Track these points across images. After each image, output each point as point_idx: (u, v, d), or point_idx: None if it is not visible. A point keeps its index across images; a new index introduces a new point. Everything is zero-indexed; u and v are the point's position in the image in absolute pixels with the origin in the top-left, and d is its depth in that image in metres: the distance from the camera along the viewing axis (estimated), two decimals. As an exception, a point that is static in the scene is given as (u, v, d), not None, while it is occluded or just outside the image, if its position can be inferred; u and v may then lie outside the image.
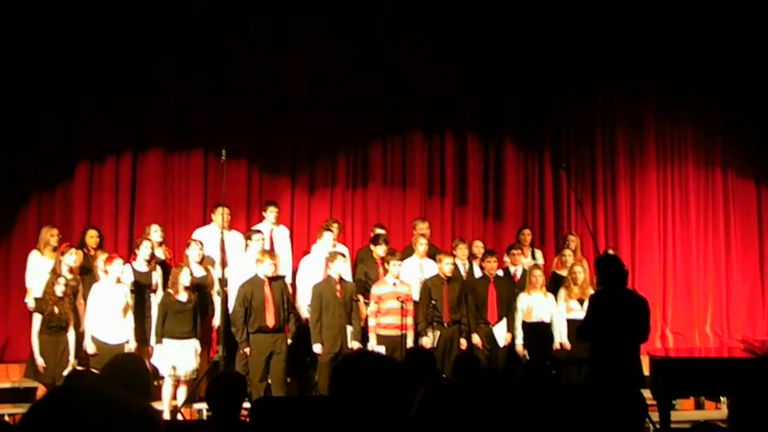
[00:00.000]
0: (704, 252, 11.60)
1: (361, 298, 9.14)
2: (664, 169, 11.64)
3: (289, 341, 8.70)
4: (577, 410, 4.81)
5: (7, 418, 8.16)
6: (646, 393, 7.63)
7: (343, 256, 8.94)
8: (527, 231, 10.40)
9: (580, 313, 8.86)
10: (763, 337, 10.57)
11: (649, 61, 11.41)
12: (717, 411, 9.33)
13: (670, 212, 11.60)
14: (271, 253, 8.82)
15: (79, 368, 7.73)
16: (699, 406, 9.50)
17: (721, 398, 9.17)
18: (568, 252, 9.95)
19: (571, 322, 8.99)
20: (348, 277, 9.16)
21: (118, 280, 8.36)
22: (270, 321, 8.54)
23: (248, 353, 8.53)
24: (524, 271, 9.72)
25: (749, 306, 11.59)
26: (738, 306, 11.56)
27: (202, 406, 8.46)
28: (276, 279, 8.72)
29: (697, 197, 11.66)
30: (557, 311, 9.16)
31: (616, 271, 7.16)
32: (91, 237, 9.11)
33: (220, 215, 9.24)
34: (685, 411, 8.99)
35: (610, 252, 10.04)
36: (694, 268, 11.53)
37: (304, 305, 9.09)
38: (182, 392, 8.33)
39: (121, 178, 10.16)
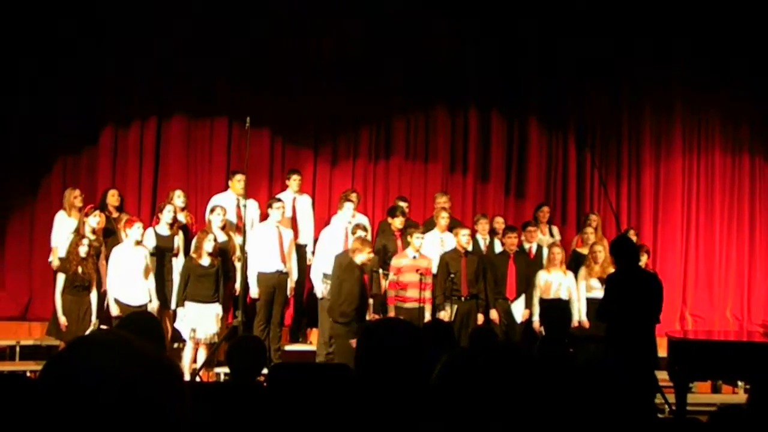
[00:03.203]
0: (727, 236, 11.52)
1: (380, 269, 9.17)
2: (690, 153, 11.55)
3: None
4: (589, 387, 4.83)
5: (29, 374, 8.27)
6: (663, 374, 7.66)
7: (365, 229, 8.95)
8: (545, 208, 10.38)
9: (599, 292, 8.85)
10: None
11: (676, 46, 11.27)
12: (734, 395, 9.32)
13: (695, 196, 11.53)
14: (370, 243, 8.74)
15: (102, 327, 7.83)
16: (716, 389, 9.48)
17: (739, 382, 9.15)
18: (589, 230, 9.92)
19: (590, 301, 9.00)
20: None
21: (138, 243, 8.43)
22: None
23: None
24: (539, 247, 9.71)
25: (770, 292, 11.52)
26: (759, 291, 11.48)
27: (221, 369, 8.56)
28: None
29: (722, 182, 11.58)
30: (576, 289, 9.14)
31: (631, 252, 7.24)
32: (112, 196, 9.21)
33: (237, 182, 9.29)
34: (701, 394, 8.96)
35: (632, 232, 10.04)
36: (716, 252, 11.48)
37: (320, 276, 9.12)
38: (202, 355, 8.42)
39: (146, 144, 10.25)
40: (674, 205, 11.46)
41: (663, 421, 4.99)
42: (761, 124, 11.60)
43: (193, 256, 8.53)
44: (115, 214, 9.08)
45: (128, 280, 8.33)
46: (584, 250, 9.60)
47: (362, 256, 8.33)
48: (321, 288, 9.10)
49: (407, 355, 2.64)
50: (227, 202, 9.26)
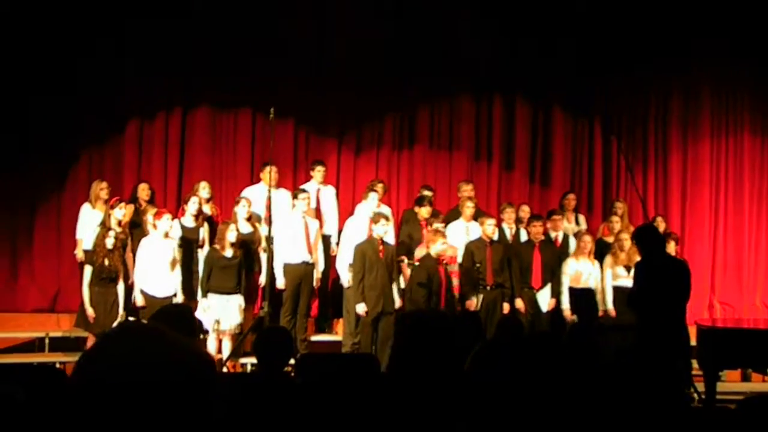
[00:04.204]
0: (757, 223, 11.38)
1: (405, 259, 9.16)
2: (719, 138, 11.41)
3: None
4: (619, 377, 4.80)
5: (58, 366, 8.35)
6: (692, 363, 7.60)
7: (386, 218, 8.93)
8: (571, 196, 10.32)
9: (626, 280, 8.82)
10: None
11: (703, 28, 11.09)
12: (764, 383, 9.24)
13: (723, 182, 11.39)
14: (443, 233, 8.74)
15: (130, 318, 7.88)
16: (746, 378, 9.39)
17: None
18: (615, 218, 9.85)
19: (617, 289, 8.96)
20: (390, 238, 9.17)
21: (166, 235, 8.47)
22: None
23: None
24: (565, 236, 9.66)
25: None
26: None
27: (247, 360, 8.59)
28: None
29: (752, 167, 11.42)
30: (603, 278, 9.09)
31: (655, 240, 7.20)
32: (143, 190, 9.27)
33: (268, 173, 9.28)
34: (731, 383, 8.87)
35: (659, 219, 9.96)
36: (745, 239, 11.34)
37: (345, 266, 9.12)
38: (227, 346, 8.45)
39: (171, 135, 10.29)
40: (702, 191, 11.33)
41: (693, 410, 4.94)
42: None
43: (216, 247, 8.55)
44: (143, 206, 9.12)
45: (155, 272, 8.37)
46: (610, 239, 9.54)
47: (437, 247, 8.33)
48: (346, 278, 9.10)
49: (442, 347, 2.63)
50: (257, 193, 9.27)
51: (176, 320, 3.87)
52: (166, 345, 1.55)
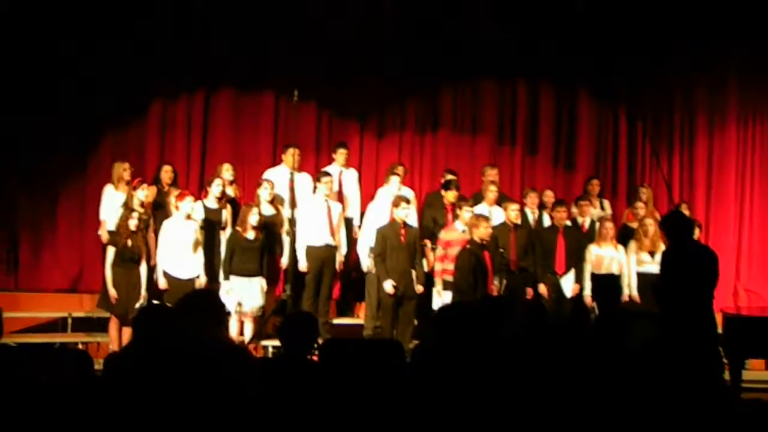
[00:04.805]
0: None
1: (428, 242, 9.13)
2: (746, 123, 11.26)
3: None
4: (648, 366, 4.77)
5: (80, 346, 8.40)
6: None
7: (407, 201, 8.89)
8: (596, 181, 10.24)
9: (650, 266, 8.76)
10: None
11: (730, 14, 10.91)
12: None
13: (750, 168, 11.25)
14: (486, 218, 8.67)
15: (154, 302, 7.88)
16: (770, 366, 9.33)
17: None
18: (639, 204, 9.77)
19: (641, 275, 8.89)
20: (413, 221, 9.13)
21: (189, 217, 8.47)
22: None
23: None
24: (592, 222, 9.60)
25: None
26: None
27: (269, 343, 8.59)
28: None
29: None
30: (627, 263, 9.02)
31: (683, 227, 7.07)
32: (166, 172, 9.25)
33: (290, 156, 9.27)
34: (755, 371, 8.79)
35: (684, 206, 9.87)
36: (772, 225, 11.22)
37: (366, 250, 9.10)
38: (248, 329, 8.46)
39: (194, 117, 10.30)
40: (728, 177, 11.20)
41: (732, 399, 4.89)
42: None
43: (238, 229, 8.55)
44: (166, 188, 9.12)
45: (178, 254, 8.38)
46: (635, 224, 9.47)
47: (480, 232, 8.31)
48: (367, 262, 9.08)
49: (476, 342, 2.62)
50: (279, 175, 9.25)
51: (204, 307, 3.87)
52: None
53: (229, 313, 8.40)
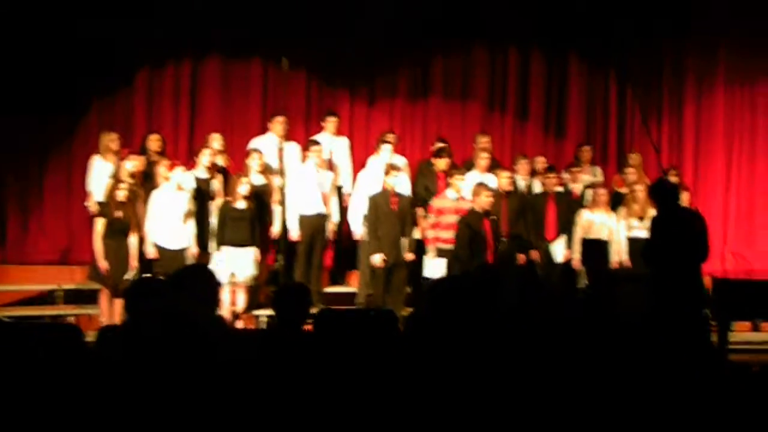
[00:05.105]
0: (770, 174, 11.29)
1: (420, 211, 9.13)
2: (733, 90, 11.27)
3: None
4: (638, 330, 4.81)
5: (71, 320, 8.38)
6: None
7: (399, 169, 8.88)
8: (586, 147, 10.24)
9: (639, 231, 8.82)
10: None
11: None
12: (773, 333, 9.29)
13: (737, 133, 11.28)
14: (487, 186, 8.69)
15: (146, 275, 7.86)
16: (755, 328, 9.42)
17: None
18: (629, 170, 9.79)
19: (631, 240, 8.96)
20: (405, 189, 9.13)
21: (179, 187, 8.44)
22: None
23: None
24: (584, 188, 9.62)
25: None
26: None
27: (262, 312, 8.62)
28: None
29: (765, 117, 11.30)
30: (616, 229, 9.07)
31: (670, 194, 7.21)
32: (154, 141, 9.18)
33: (278, 124, 9.23)
34: (740, 332, 8.88)
35: (672, 172, 9.90)
36: (758, 191, 11.26)
37: (358, 218, 9.10)
38: (241, 299, 8.47)
39: (181, 85, 10.21)
40: (716, 142, 11.23)
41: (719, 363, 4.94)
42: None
43: (228, 199, 8.53)
44: (154, 157, 9.05)
45: (168, 224, 8.36)
46: (624, 190, 9.52)
47: (481, 200, 8.34)
48: (359, 230, 9.10)
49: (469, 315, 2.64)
50: (267, 144, 9.21)
51: (196, 282, 3.86)
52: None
53: (221, 284, 8.42)
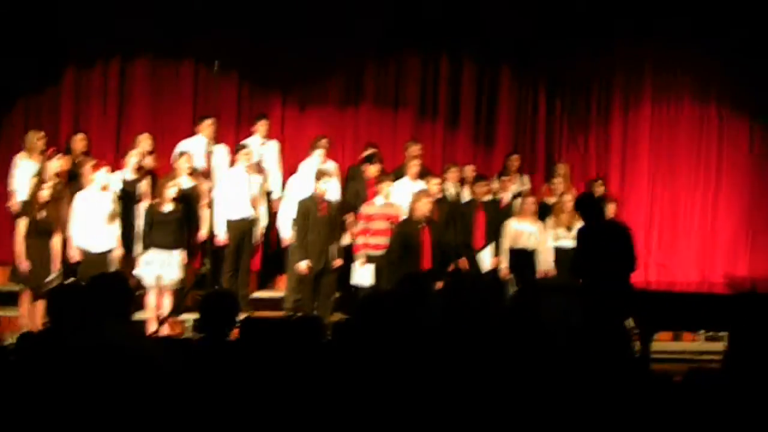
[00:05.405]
0: (693, 186, 11.59)
1: (350, 216, 9.13)
2: (659, 103, 11.53)
3: None
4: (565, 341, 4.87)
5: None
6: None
7: (329, 174, 8.87)
8: (515, 156, 10.34)
9: (566, 240, 8.96)
10: (744, 274, 10.71)
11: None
12: (694, 343, 9.51)
13: (662, 147, 11.54)
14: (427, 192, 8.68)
15: (66, 282, 7.67)
16: (676, 337, 9.65)
17: (700, 331, 9.33)
18: (557, 180, 9.94)
19: (558, 250, 9.07)
20: (335, 195, 9.13)
21: (105, 188, 8.29)
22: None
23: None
24: (513, 197, 9.72)
25: (732, 243, 11.64)
26: (722, 242, 11.61)
27: (188, 317, 8.50)
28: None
29: (689, 132, 11.59)
30: (543, 238, 9.18)
31: (596, 207, 7.45)
32: (79, 141, 8.99)
33: (207, 126, 9.14)
34: (662, 342, 9.08)
35: (598, 183, 10.09)
36: (681, 202, 11.56)
37: (287, 222, 9.06)
38: (167, 302, 8.35)
39: (110, 85, 10.04)
40: (641, 155, 11.48)
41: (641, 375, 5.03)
42: (730, 76, 11.55)
43: (156, 202, 8.40)
44: (80, 157, 8.86)
45: (93, 226, 8.20)
46: (552, 200, 9.65)
47: (420, 207, 8.34)
48: (288, 235, 9.06)
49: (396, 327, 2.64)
50: (196, 147, 9.11)
51: (110, 291, 3.78)
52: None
53: (147, 287, 8.30)
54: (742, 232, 11.64)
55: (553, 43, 11.01)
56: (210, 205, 8.62)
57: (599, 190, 9.91)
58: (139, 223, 8.49)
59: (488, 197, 9.52)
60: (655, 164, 11.53)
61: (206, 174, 8.82)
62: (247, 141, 9.41)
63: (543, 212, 9.47)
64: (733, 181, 11.66)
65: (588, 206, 7.43)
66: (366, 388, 3.80)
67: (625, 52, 11.41)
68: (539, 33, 10.94)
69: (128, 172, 8.67)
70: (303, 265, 8.64)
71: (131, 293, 4.10)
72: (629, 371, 4.56)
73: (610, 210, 9.39)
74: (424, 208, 8.38)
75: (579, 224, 8.85)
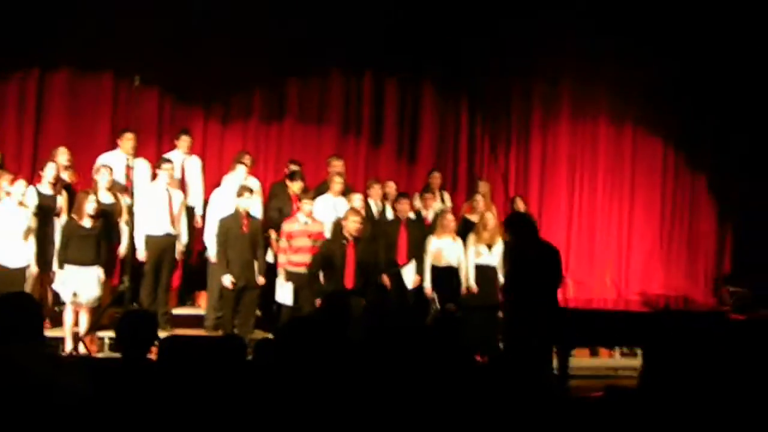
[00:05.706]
0: (609, 204, 11.89)
1: (273, 233, 9.08)
2: (576, 121, 11.81)
3: None
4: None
5: None
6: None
7: (251, 191, 8.81)
8: (436, 174, 10.41)
9: (488, 257, 9.06)
10: (659, 292, 10.98)
11: (570, 17, 11.35)
12: (610, 359, 9.71)
13: (579, 164, 11.83)
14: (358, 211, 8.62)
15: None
16: (594, 353, 9.83)
17: (616, 347, 9.53)
18: (478, 197, 10.04)
19: (479, 267, 9.14)
20: (256, 212, 9.07)
21: (21, 203, 8.08)
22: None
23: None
24: (436, 214, 9.79)
25: (647, 260, 11.96)
26: (637, 259, 11.92)
27: (105, 334, 8.34)
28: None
29: (606, 151, 11.89)
30: (465, 256, 9.25)
31: (526, 227, 7.50)
32: (-9, 154, 8.78)
33: (127, 141, 9.00)
34: (580, 358, 9.24)
35: (518, 200, 10.24)
36: (598, 220, 11.84)
37: (212, 238, 8.97)
38: (84, 319, 8.18)
39: (27, 97, 9.82)
40: (560, 172, 11.74)
41: (558, 395, 5.12)
42: (647, 96, 11.89)
43: (74, 216, 8.22)
44: (-6, 172, 8.63)
45: (7, 241, 7.98)
46: (473, 217, 9.73)
47: (349, 225, 8.31)
48: (213, 251, 8.95)
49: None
50: (115, 161, 8.95)
51: (18, 312, 3.67)
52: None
53: (63, 303, 8.10)
54: (656, 250, 11.97)
55: (474, 60, 11.17)
56: (129, 221, 8.46)
57: (520, 207, 10.06)
58: (56, 238, 8.30)
59: (411, 214, 9.57)
60: (573, 181, 11.81)
61: (126, 189, 8.66)
62: (170, 155, 9.28)
63: (465, 229, 9.56)
64: (648, 200, 12.00)
65: (519, 225, 7.52)
66: (288, 407, 3.79)
67: (543, 71, 11.64)
68: (462, 51, 11.08)
69: (44, 187, 8.47)
70: (227, 280, 8.55)
71: (40, 314, 3.98)
72: (548, 388, 4.64)
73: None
74: (352, 226, 8.37)
75: (500, 242, 9.04)
